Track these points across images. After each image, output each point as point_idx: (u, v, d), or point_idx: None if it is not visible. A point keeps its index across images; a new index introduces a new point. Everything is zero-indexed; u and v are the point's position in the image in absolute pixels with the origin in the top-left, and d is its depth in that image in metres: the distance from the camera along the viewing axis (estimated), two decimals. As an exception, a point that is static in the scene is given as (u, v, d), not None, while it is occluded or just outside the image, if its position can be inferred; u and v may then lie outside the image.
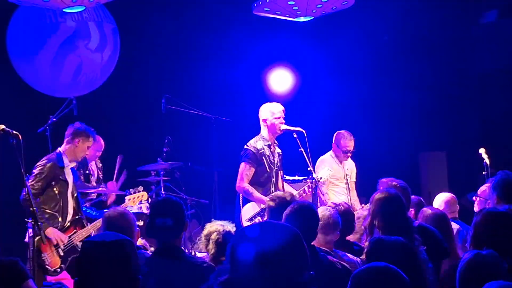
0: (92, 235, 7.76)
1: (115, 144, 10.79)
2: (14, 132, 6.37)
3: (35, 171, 7.24)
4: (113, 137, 10.75)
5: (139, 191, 8.46)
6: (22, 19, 9.87)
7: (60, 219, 7.25)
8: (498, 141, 11.04)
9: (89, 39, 10.10)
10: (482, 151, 8.83)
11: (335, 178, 8.96)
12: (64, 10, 7.73)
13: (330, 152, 9.09)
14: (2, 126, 6.37)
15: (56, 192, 7.27)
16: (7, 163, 6.98)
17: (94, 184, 10.18)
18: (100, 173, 10.52)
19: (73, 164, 7.58)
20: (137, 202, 8.36)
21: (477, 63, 11.63)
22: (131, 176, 10.48)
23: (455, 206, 7.19)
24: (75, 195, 7.53)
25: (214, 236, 5.31)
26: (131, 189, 8.85)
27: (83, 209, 9.11)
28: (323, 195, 8.25)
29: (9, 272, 4.40)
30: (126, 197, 8.34)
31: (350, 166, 9.11)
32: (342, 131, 9.03)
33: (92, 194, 10.02)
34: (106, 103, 10.80)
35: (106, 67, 10.47)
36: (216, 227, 5.47)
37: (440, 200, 7.17)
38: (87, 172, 10.19)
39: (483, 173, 8.65)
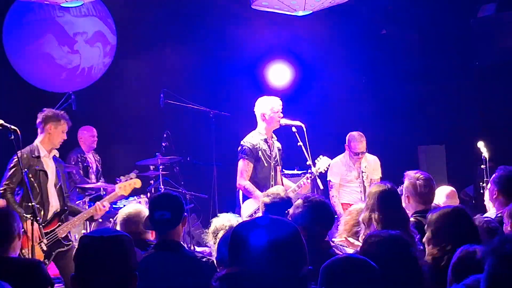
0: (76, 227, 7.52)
1: (114, 139, 10.81)
2: (13, 127, 6.36)
3: (9, 167, 6.88)
4: (111, 131, 10.76)
5: (131, 178, 7.93)
6: (19, 14, 9.86)
7: (42, 212, 6.84)
8: (497, 134, 11.04)
9: (87, 34, 10.09)
10: (480, 144, 8.83)
11: (345, 181, 8.96)
12: (62, 4, 7.73)
13: (342, 155, 9.06)
14: (1, 121, 6.35)
15: (35, 184, 6.88)
16: (6, 158, 6.96)
17: (93, 176, 10.20)
18: (98, 166, 10.53)
19: (54, 153, 7.18)
20: (129, 190, 7.64)
21: (475, 56, 11.62)
22: (130, 171, 10.50)
23: (455, 200, 7.19)
24: (59, 186, 7.16)
25: (221, 234, 5.28)
26: (121, 177, 8.53)
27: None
28: (321, 188, 8.24)
29: (34, 274, 4.38)
30: (116, 186, 7.73)
31: (370, 163, 9.00)
32: (353, 133, 8.95)
33: (91, 189, 10.03)
34: (104, 97, 10.81)
35: (104, 61, 10.46)
36: (222, 223, 5.43)
37: (441, 193, 7.17)
38: (86, 164, 10.20)
39: (482, 166, 8.66)
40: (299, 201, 4.98)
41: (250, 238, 2.39)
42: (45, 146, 7.08)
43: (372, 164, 9.01)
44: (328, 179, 9.00)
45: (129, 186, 7.59)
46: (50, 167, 7.09)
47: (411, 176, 5.79)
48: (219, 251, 4.66)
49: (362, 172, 8.77)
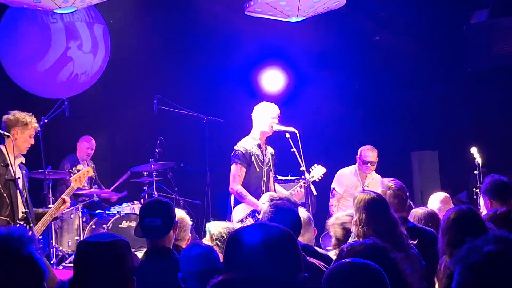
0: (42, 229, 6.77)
1: (107, 145, 10.79)
2: (6, 133, 6.35)
3: None
4: (105, 138, 10.75)
5: (78, 170, 7.45)
6: (12, 21, 9.84)
7: (12, 223, 6.30)
8: (490, 140, 11.07)
9: (80, 40, 10.08)
10: (474, 150, 8.85)
11: (348, 194, 8.96)
12: (55, 11, 7.72)
13: (352, 167, 9.08)
14: (-7, 127, 6.34)
15: (5, 194, 6.37)
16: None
17: (86, 184, 10.18)
18: (92, 174, 10.53)
19: (21, 160, 6.64)
20: (83, 180, 7.36)
21: (468, 62, 11.65)
22: (126, 180, 10.51)
23: (450, 205, 7.22)
24: (26, 196, 6.56)
25: (215, 230, 5.20)
26: (73, 168, 7.97)
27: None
28: (315, 194, 8.23)
29: None
30: (71, 179, 7.30)
31: (374, 181, 8.96)
32: (366, 145, 9.06)
33: (84, 195, 10.03)
34: (97, 104, 10.79)
35: (98, 68, 10.45)
36: (221, 230, 5.33)
37: (435, 199, 7.21)
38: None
39: (475, 172, 8.67)
40: (267, 206, 4.90)
41: (243, 244, 2.40)
42: (11, 152, 6.45)
43: (376, 182, 9.00)
44: (332, 186, 9.01)
45: (83, 176, 7.27)
46: (19, 174, 6.51)
47: (384, 184, 5.80)
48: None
49: (365, 187, 8.74)
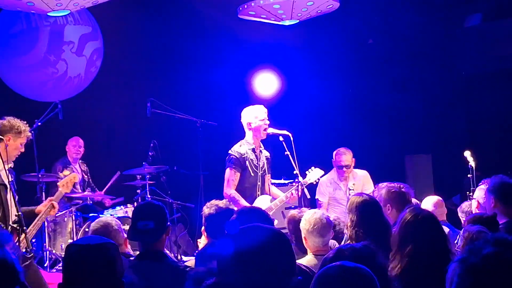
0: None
1: (100, 148, 10.77)
2: (0, 136, 6.31)
3: None
4: (98, 141, 10.73)
5: (65, 176, 7.37)
6: (5, 23, 9.82)
7: (4, 226, 6.13)
8: (484, 144, 11.08)
9: (74, 43, 10.07)
10: (467, 154, 8.85)
11: (333, 200, 8.91)
12: (49, 14, 7.70)
13: (329, 173, 9.03)
14: (-14, 131, 6.30)
15: None
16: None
17: (79, 186, 10.17)
18: (85, 176, 10.50)
19: (10, 165, 6.42)
20: (70, 186, 7.21)
21: (462, 66, 11.67)
22: (116, 180, 10.47)
23: (443, 209, 7.22)
24: (16, 200, 6.18)
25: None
26: (60, 173, 8.10)
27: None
28: (309, 197, 8.22)
29: None
30: (58, 183, 7.21)
31: (359, 179, 8.95)
32: (339, 148, 8.99)
33: (78, 198, 10.01)
34: (91, 107, 10.78)
35: (91, 71, 10.44)
36: None
37: (428, 203, 7.20)
38: (71, 174, 10.18)
39: (469, 176, 8.67)
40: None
41: (234, 247, 2.38)
42: (3, 156, 6.10)
43: (362, 180, 8.95)
44: (316, 197, 8.97)
45: (70, 182, 7.16)
46: (7, 180, 6.29)
47: (392, 185, 5.79)
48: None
49: (350, 189, 8.64)
